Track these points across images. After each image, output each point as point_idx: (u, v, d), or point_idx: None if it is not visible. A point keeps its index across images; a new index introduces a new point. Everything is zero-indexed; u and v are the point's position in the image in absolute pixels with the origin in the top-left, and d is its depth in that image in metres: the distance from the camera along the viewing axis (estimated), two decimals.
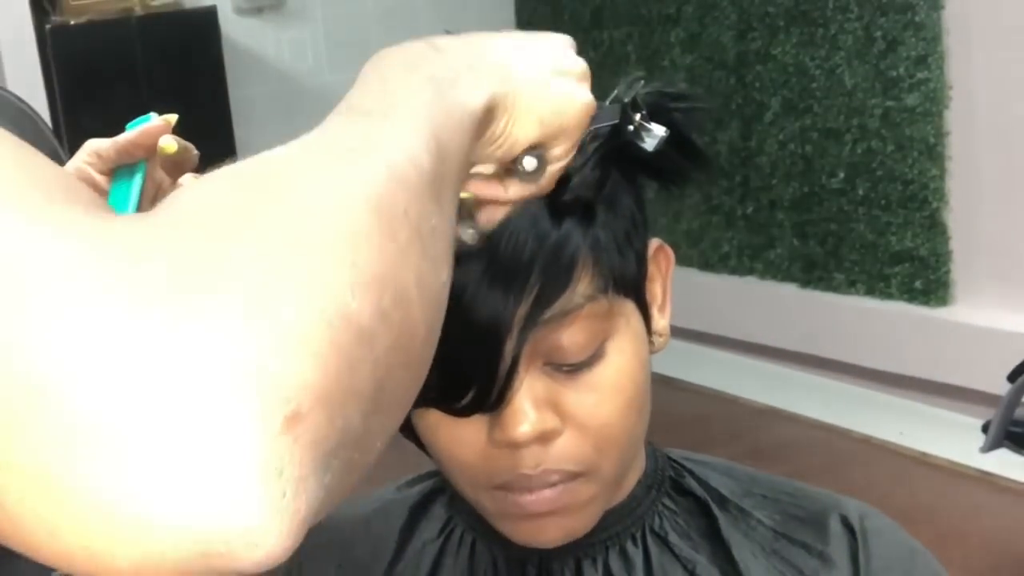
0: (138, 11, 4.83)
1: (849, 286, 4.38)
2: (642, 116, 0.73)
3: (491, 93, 0.64)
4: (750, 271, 4.79)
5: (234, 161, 0.50)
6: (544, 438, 0.72)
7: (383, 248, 0.47)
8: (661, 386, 3.80)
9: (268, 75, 5.28)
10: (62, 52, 4.70)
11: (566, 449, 0.73)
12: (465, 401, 0.72)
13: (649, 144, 0.73)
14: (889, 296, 4.25)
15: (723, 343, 4.97)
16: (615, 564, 0.80)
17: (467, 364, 0.71)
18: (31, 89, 4.43)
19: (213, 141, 5.02)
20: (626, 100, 0.73)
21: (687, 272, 4.97)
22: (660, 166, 0.76)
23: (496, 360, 0.70)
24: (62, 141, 3.63)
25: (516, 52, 0.69)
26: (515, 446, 0.72)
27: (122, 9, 4.81)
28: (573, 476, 0.74)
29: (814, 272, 4.51)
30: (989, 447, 3.84)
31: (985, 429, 3.90)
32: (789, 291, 4.62)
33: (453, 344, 0.70)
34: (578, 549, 0.81)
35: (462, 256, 0.69)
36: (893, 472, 3.99)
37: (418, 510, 0.87)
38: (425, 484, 0.89)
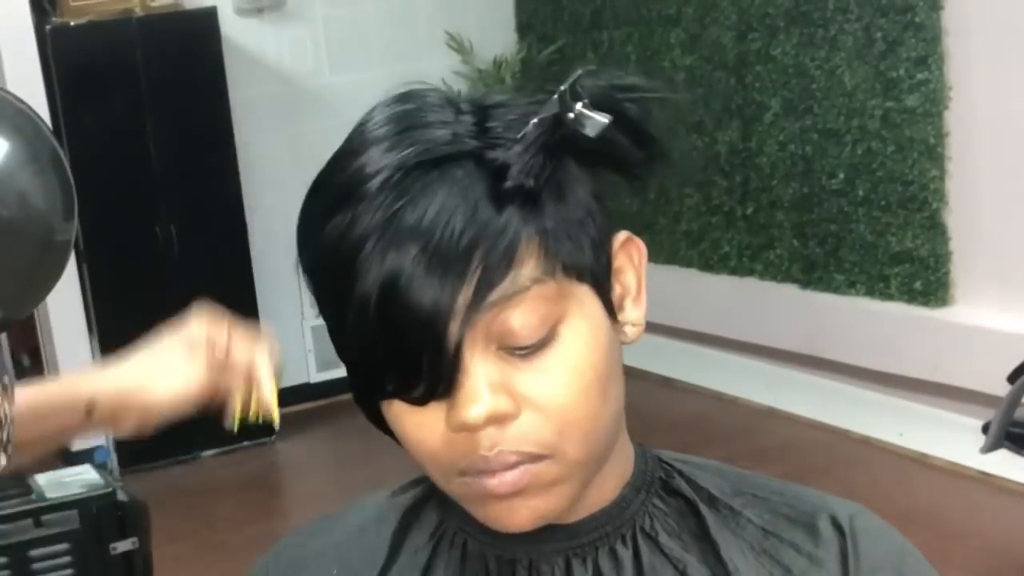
0: (138, 11, 4.83)
1: (849, 287, 4.38)
2: (584, 104, 0.74)
3: None
4: (750, 272, 4.79)
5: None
6: (498, 420, 0.73)
7: None
8: (661, 386, 3.79)
9: (268, 75, 5.29)
10: (62, 52, 4.71)
11: (524, 431, 0.73)
12: (419, 389, 0.73)
13: (590, 130, 0.73)
14: (889, 297, 4.25)
15: (723, 344, 4.97)
16: (605, 564, 0.80)
17: (413, 350, 0.72)
18: (31, 89, 4.43)
19: (213, 141, 5.04)
20: (562, 88, 0.74)
21: (687, 272, 4.98)
22: (617, 157, 0.78)
23: (442, 344, 0.71)
24: (62, 141, 3.63)
25: None
26: (469, 429, 0.73)
27: (122, 9, 4.81)
28: (534, 458, 0.74)
29: (814, 273, 4.51)
30: (989, 448, 3.84)
31: (985, 430, 3.90)
32: (789, 292, 4.62)
33: (398, 331, 0.71)
34: (568, 549, 0.81)
35: (395, 241, 0.71)
36: (893, 473, 3.99)
37: (410, 515, 0.88)
38: (418, 489, 0.89)
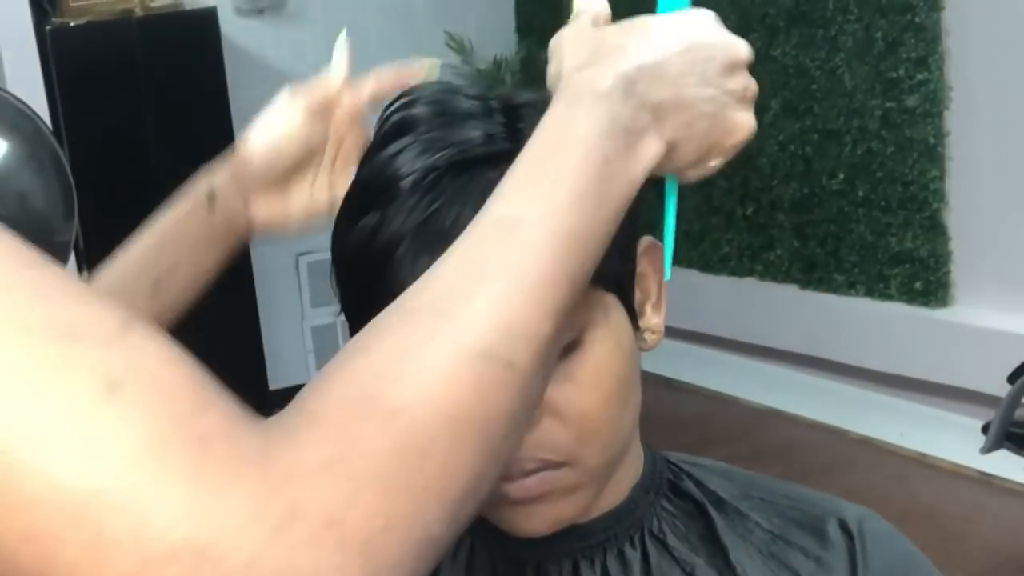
0: (138, 12, 4.83)
1: (849, 287, 4.38)
2: None
3: (667, 142, 0.68)
4: (750, 272, 4.79)
5: None
6: None
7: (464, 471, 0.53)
8: (661, 387, 3.77)
9: (268, 76, 5.28)
10: (62, 52, 4.70)
11: (544, 438, 0.73)
12: None
13: None
14: (889, 297, 4.25)
15: (723, 344, 4.97)
16: (613, 566, 0.80)
17: None
18: (31, 89, 4.42)
19: (213, 141, 5.02)
20: None
21: (687, 273, 4.97)
22: None
23: None
24: (62, 142, 3.63)
25: (690, 78, 0.69)
26: None
27: (122, 10, 4.81)
28: (553, 465, 0.74)
29: (814, 273, 4.51)
30: (989, 448, 3.84)
31: (985, 430, 3.89)
32: (789, 292, 4.61)
33: None
34: (576, 551, 0.81)
35: (429, 244, 0.70)
36: (893, 473, 3.99)
37: None
38: None
